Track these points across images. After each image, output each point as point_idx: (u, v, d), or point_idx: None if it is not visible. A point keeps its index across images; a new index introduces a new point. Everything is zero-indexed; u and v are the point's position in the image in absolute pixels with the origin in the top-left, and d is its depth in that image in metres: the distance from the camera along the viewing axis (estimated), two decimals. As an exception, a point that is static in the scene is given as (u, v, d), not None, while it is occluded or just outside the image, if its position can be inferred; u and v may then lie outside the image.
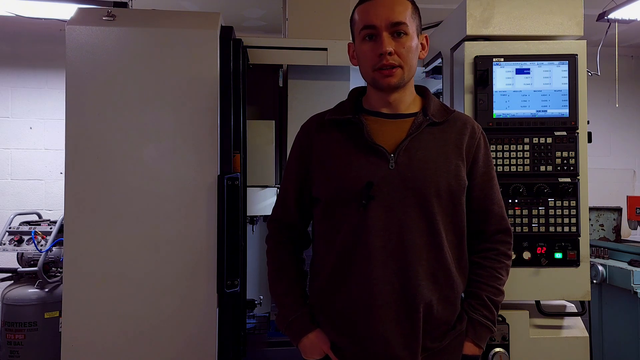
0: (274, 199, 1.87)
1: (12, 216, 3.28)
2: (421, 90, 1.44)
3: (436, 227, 1.30)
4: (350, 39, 1.43)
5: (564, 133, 1.79)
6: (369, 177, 1.29)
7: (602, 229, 3.36)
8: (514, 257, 1.75)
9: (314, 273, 1.42)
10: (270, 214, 1.51)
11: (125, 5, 2.80)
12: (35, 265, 3.06)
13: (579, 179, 1.78)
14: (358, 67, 1.39)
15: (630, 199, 3.14)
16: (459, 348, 1.34)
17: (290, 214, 1.45)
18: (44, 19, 3.18)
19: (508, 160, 1.79)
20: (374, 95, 1.39)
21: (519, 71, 1.80)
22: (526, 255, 1.76)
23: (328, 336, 1.36)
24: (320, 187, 1.36)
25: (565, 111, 1.79)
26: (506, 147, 1.79)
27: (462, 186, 1.34)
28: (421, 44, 1.38)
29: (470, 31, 1.82)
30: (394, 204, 1.28)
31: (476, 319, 1.34)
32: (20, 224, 3.27)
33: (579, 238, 1.78)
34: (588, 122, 1.82)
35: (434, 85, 2.43)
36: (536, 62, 1.80)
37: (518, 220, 1.77)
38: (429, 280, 1.29)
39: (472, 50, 1.81)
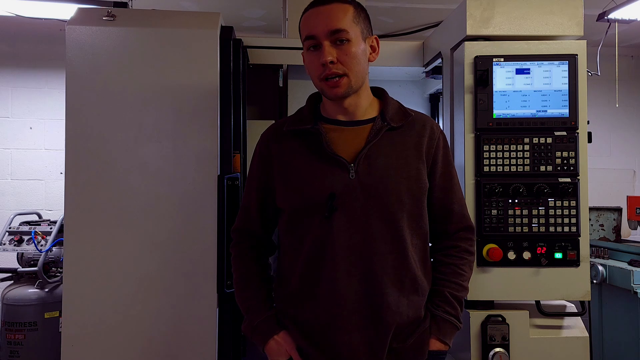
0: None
1: (12, 216, 3.28)
2: (379, 93, 1.43)
3: (400, 233, 1.30)
4: None
5: (564, 133, 1.79)
6: (331, 188, 1.28)
7: (602, 229, 3.36)
8: (513, 257, 1.76)
9: (281, 280, 1.41)
10: None
11: (125, 5, 2.79)
12: (35, 265, 3.06)
13: (579, 179, 1.78)
14: None
15: (630, 199, 3.14)
16: (424, 345, 1.33)
17: (253, 222, 1.44)
18: (44, 19, 3.18)
19: (508, 160, 1.78)
20: (329, 102, 1.38)
21: (519, 71, 1.80)
22: (526, 255, 1.76)
23: (295, 341, 1.34)
24: (284, 198, 1.36)
25: (565, 111, 1.79)
26: (506, 147, 1.79)
27: (423, 189, 1.34)
28: (370, 46, 1.36)
29: (470, 31, 1.82)
30: (357, 214, 1.28)
31: (439, 316, 1.35)
32: (20, 224, 3.27)
33: (579, 238, 1.78)
34: (588, 122, 1.81)
35: (434, 85, 2.43)
36: (536, 62, 1.79)
37: (518, 220, 1.77)
38: (395, 287, 1.29)
39: (472, 50, 1.81)
